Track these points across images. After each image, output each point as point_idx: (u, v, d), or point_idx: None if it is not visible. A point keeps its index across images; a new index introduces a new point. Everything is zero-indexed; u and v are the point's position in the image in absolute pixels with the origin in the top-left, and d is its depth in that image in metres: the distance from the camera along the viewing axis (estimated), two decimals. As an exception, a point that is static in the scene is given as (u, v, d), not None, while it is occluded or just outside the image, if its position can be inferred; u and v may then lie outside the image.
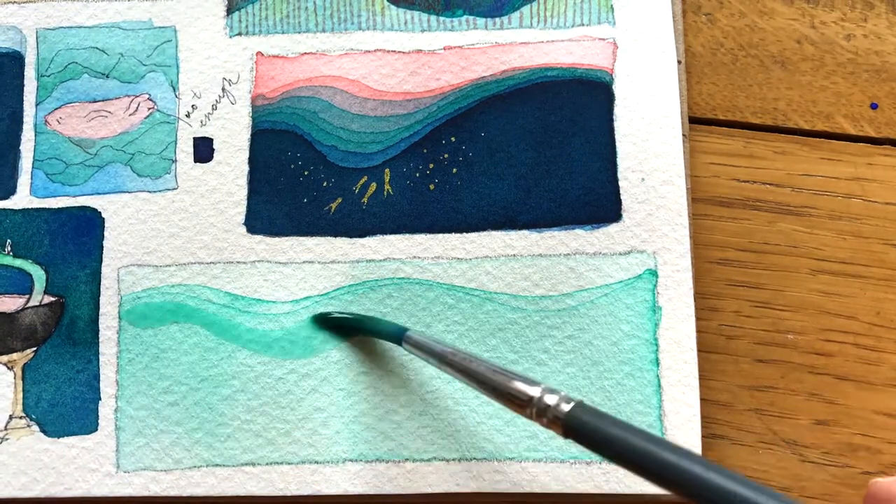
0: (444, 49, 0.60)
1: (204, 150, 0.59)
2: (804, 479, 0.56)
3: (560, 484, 0.54)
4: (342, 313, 0.57)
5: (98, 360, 0.56)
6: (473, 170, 0.58)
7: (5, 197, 0.58)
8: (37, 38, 0.60)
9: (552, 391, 0.44)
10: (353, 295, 0.57)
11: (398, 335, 0.54)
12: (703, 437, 0.55)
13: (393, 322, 0.56)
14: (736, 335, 0.58)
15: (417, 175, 0.58)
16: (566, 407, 0.43)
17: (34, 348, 0.56)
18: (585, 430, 0.42)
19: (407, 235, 0.57)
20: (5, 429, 0.56)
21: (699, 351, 0.56)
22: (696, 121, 0.61)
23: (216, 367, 0.56)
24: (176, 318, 0.57)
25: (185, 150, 0.59)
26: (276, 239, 0.57)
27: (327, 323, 0.57)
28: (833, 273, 0.59)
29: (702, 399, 0.56)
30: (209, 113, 0.59)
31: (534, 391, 0.45)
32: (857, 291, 0.58)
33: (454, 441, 0.55)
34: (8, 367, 0.56)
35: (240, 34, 0.60)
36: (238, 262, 0.57)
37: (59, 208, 0.58)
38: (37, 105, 0.59)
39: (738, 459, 0.56)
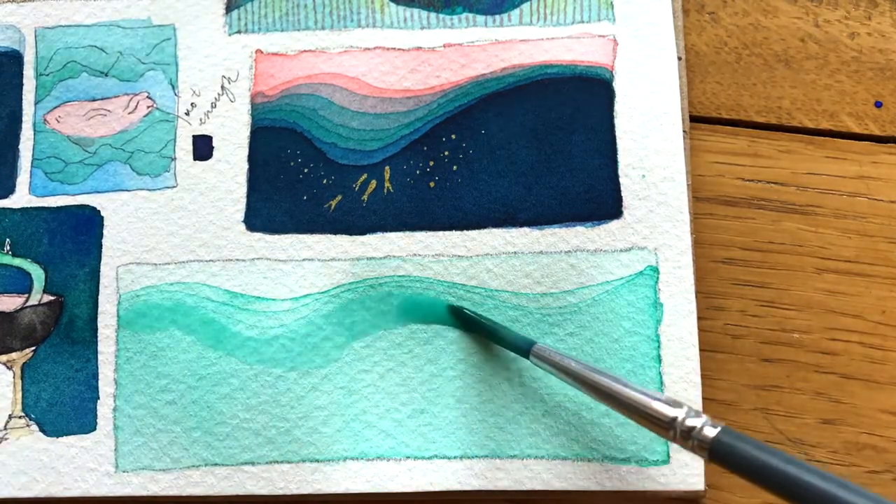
0: (444, 46, 0.60)
1: (203, 147, 0.59)
2: (810, 478, 0.56)
3: (562, 481, 0.54)
4: (475, 313, 0.56)
5: (96, 358, 0.56)
6: (474, 167, 0.58)
7: (4, 196, 0.58)
8: (35, 36, 0.60)
9: (696, 414, 0.45)
10: (353, 293, 0.57)
11: (525, 348, 0.53)
12: (708, 437, 0.55)
13: (521, 334, 0.55)
14: (741, 334, 0.57)
15: (418, 172, 0.58)
16: (712, 431, 0.44)
17: (33, 347, 0.56)
18: (734, 455, 0.43)
19: (407, 233, 0.57)
20: (5, 428, 0.56)
21: (704, 350, 0.56)
22: (700, 120, 0.61)
23: (214, 364, 0.56)
24: (174, 316, 0.57)
25: (185, 148, 0.59)
26: (276, 236, 0.57)
27: (458, 315, 0.56)
28: (838, 272, 0.58)
29: (707, 399, 0.56)
30: (208, 111, 0.59)
31: (676, 412, 0.45)
32: (862, 290, 0.58)
33: (455, 439, 0.55)
34: (7, 367, 0.56)
35: (239, 32, 0.60)
36: (237, 260, 0.57)
37: (58, 207, 0.58)
38: (36, 104, 0.60)
39: (743, 459, 0.56)
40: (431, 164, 0.58)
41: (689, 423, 0.44)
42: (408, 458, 0.55)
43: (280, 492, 0.54)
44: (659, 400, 0.46)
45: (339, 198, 0.58)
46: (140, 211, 0.58)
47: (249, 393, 0.55)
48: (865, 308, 0.58)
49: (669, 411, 0.45)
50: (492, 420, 0.55)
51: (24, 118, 0.59)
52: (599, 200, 0.57)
